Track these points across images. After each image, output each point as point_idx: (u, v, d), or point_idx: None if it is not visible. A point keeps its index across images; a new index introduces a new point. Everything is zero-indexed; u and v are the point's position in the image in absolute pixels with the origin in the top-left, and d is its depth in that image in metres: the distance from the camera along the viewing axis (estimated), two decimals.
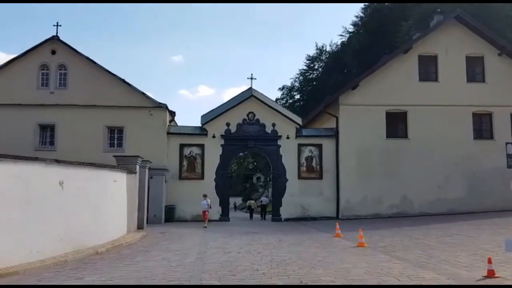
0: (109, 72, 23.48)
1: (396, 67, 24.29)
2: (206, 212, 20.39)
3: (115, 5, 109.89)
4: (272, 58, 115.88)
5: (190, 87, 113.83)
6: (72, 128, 22.59)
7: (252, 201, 34.88)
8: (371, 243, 12.96)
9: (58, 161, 11.57)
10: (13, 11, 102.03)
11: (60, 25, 23.26)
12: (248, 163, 34.56)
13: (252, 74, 25.97)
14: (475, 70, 24.78)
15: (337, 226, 15.65)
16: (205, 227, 19.31)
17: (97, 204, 13.45)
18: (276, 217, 23.94)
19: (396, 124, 24.51)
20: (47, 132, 23.18)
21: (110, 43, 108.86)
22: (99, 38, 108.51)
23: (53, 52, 23.32)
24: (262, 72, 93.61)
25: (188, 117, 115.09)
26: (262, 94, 25.35)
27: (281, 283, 8.06)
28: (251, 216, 31.64)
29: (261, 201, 32.21)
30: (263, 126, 24.44)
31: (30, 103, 22.47)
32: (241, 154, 29.84)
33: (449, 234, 14.73)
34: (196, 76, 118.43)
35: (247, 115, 24.47)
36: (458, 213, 21.95)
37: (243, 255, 11.28)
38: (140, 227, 18.10)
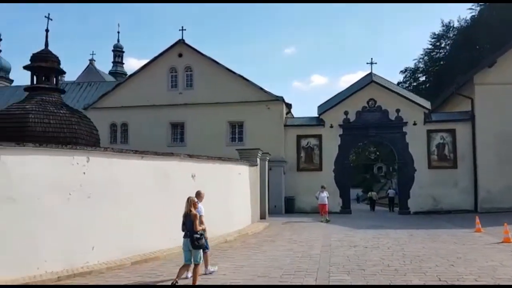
0: (229, 70, 24.53)
1: None
2: (326, 205, 18.88)
3: (228, 5, 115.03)
4: (390, 40, 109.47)
5: (303, 78, 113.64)
6: (198, 124, 24.14)
7: (373, 193, 33.62)
8: None
9: (190, 156, 12.45)
10: (137, 19, 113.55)
11: (185, 29, 25.00)
12: (370, 152, 32.84)
13: (372, 59, 24.68)
14: None
15: (477, 220, 14.26)
16: (328, 220, 18.00)
17: (224, 196, 14.10)
18: (404, 210, 22.49)
19: None
20: (177, 129, 25.21)
21: (226, 41, 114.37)
22: (215, 37, 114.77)
23: (180, 55, 25.18)
24: (380, 55, 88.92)
25: (303, 108, 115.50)
26: (383, 78, 23.98)
27: (417, 281, 7.48)
28: (372, 208, 30.55)
29: (388, 193, 30.75)
30: (386, 112, 23.10)
31: (162, 103, 24.60)
32: (360, 144, 28.63)
33: None
34: (308, 66, 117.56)
35: (367, 102, 23.37)
36: None
37: (371, 250, 10.80)
38: (262, 217, 18.60)
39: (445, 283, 7.26)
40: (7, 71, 48.67)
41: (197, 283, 7.27)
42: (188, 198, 7.55)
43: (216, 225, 13.26)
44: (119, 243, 9.35)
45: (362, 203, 44.03)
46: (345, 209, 23.06)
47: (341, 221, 18.46)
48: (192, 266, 7.37)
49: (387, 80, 24.41)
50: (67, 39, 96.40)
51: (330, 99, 24.53)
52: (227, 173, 14.68)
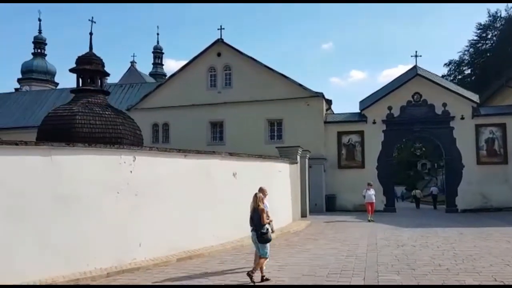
0: (268, 67, 24.47)
1: None
2: (373, 203, 17.90)
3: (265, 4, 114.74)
4: (433, 32, 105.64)
5: (341, 74, 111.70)
6: (237, 123, 24.24)
7: (417, 191, 32.92)
8: None
9: (231, 154, 12.46)
10: (176, 21, 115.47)
11: (223, 28, 25.16)
12: (415, 148, 31.73)
13: (416, 52, 23.88)
14: None
15: None
16: (371, 220, 17.09)
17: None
18: (451, 208, 21.64)
19: None
20: (217, 128, 25.45)
21: (262, 37, 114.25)
22: (251, 33, 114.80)
23: (219, 55, 25.37)
24: (422, 48, 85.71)
25: (342, 104, 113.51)
26: (428, 72, 23.18)
27: (471, 281, 7.14)
28: (417, 206, 29.87)
29: (431, 191, 29.87)
30: (432, 107, 22.34)
31: (201, 103, 24.88)
32: (404, 140, 27.80)
33: None
34: (347, 61, 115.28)
35: (412, 96, 22.71)
36: None
37: (419, 249, 10.43)
38: (303, 215, 18.40)
39: (502, 284, 6.90)
40: (53, 74, 50.83)
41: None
42: (255, 194, 7.82)
43: None
44: (165, 240, 9.49)
45: (406, 201, 42.90)
46: (389, 207, 22.48)
47: (385, 219, 17.98)
48: (257, 258, 7.56)
49: (432, 73, 23.57)
50: (109, 42, 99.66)
51: (373, 94, 23.99)
52: (267, 171, 14.59)
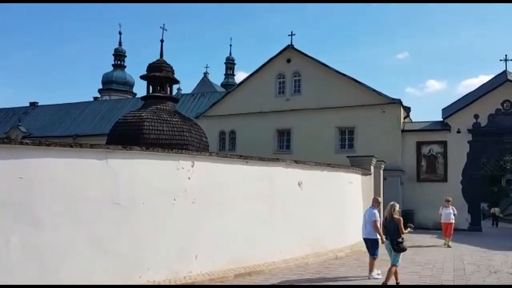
0: (340, 73, 23.30)
1: None
2: (451, 225, 14.65)
3: (336, 9, 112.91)
4: None
5: (416, 84, 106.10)
6: (305, 131, 23.23)
7: (496, 209, 30.81)
8: None
9: (297, 162, 11.61)
10: (248, 34, 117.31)
11: (294, 34, 24.50)
12: (505, 162, 28.52)
13: (506, 55, 21.22)
14: None
15: None
16: (448, 246, 14.18)
17: (334, 206, 12.95)
18: None
19: None
20: (284, 136, 24.64)
21: (333, 47, 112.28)
22: (323, 43, 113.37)
23: (289, 61, 24.67)
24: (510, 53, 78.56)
25: (417, 116, 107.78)
26: None
27: None
28: (493, 224, 28.29)
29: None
30: None
31: (269, 110, 24.28)
32: (492, 152, 25.01)
33: None
34: (423, 71, 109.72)
35: (502, 104, 20.47)
36: None
37: None
38: None
39: None
40: (131, 85, 53.34)
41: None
42: (390, 204, 8.02)
43: (325, 238, 12.20)
44: (222, 252, 8.83)
45: (489, 219, 39.41)
46: (474, 226, 20.23)
47: (471, 240, 16.04)
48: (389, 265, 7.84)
49: None
50: (185, 53, 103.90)
51: (456, 101, 22.05)
52: (337, 182, 13.50)
